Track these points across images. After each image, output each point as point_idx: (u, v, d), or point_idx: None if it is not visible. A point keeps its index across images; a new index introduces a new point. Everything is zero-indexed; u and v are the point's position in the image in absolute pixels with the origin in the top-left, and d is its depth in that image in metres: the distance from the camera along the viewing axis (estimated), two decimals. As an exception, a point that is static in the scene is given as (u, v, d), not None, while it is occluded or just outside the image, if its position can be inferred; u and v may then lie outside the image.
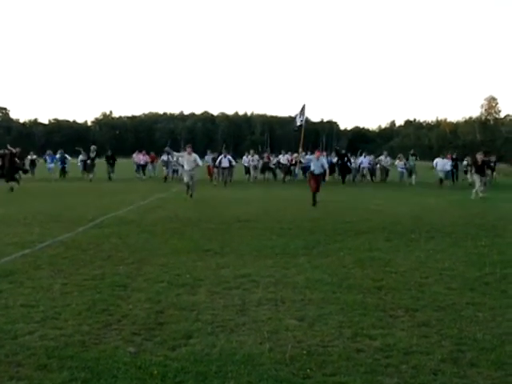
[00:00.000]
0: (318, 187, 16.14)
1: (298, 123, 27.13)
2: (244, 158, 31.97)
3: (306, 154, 30.47)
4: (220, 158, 25.66)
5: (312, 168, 16.80)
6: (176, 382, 3.70)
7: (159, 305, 5.49)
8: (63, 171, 31.29)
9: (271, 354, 4.19)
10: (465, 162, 29.99)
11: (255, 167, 30.48)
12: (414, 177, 29.06)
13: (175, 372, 3.83)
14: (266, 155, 32.17)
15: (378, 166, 31.14)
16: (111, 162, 30.27)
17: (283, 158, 30.68)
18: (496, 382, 3.74)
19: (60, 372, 3.81)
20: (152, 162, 33.45)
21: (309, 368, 3.91)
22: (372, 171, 31.13)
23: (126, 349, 4.27)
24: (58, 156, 31.56)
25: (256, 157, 30.78)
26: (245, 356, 4.13)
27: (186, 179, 17.98)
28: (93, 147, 29.92)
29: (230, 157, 26.35)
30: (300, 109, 27.16)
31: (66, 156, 31.97)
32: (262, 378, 3.76)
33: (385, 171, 30.72)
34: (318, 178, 16.51)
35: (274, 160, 31.95)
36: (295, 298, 5.77)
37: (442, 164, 28.47)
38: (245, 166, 31.14)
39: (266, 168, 31.03)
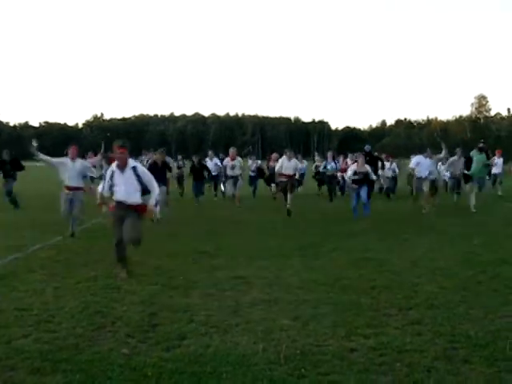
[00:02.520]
0: None
1: None
2: (208, 161, 19.64)
3: (324, 159, 20.79)
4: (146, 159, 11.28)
5: None
6: (171, 383, 3.70)
7: (153, 307, 5.48)
8: None
9: (265, 354, 4.20)
10: None
11: (236, 180, 17.26)
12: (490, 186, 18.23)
13: (170, 373, 3.83)
14: (272, 157, 19.67)
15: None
16: (9, 172, 16.06)
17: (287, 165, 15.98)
18: (489, 379, 3.76)
19: (54, 375, 3.80)
20: None
21: (303, 367, 3.92)
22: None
23: (120, 351, 4.26)
24: None
25: (239, 160, 17.83)
26: (239, 356, 4.13)
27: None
28: (5, 152, 16.64)
29: (170, 160, 12.51)
30: None
31: None
32: (257, 378, 3.76)
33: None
34: None
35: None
36: (289, 299, 5.78)
37: None
38: (212, 176, 19.00)
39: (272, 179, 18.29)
